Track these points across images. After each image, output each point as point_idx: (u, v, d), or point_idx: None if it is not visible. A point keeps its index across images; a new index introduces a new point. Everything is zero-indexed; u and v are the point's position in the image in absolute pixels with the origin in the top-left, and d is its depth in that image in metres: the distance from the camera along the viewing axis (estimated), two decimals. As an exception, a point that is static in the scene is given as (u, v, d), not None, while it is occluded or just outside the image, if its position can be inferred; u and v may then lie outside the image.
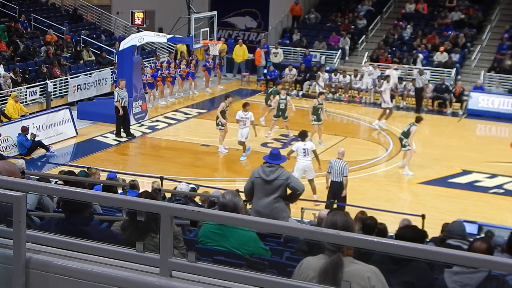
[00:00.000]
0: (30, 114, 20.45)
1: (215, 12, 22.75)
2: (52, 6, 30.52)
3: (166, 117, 23.06)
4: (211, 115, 19.86)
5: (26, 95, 21.72)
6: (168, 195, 12.02)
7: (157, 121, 22.51)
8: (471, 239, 6.66)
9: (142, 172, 16.24)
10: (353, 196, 14.58)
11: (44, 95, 22.35)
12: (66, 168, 14.60)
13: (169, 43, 27.21)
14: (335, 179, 14.28)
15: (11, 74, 21.79)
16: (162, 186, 12.93)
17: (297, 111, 22.13)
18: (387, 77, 23.36)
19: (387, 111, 22.37)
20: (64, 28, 27.49)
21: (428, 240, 7.85)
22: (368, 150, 19.80)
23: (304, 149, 15.34)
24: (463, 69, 28.01)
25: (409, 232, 6.22)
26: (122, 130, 20.19)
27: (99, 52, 26.43)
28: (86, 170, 12.87)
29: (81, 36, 27.35)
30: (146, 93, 23.39)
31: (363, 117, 24.09)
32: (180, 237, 5.18)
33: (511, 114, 24.27)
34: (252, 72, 29.58)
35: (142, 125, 21.78)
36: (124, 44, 21.50)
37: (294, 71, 27.79)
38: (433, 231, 9.28)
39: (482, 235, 10.35)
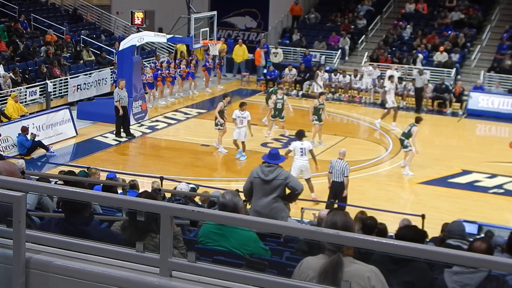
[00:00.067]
0: (30, 114, 20.45)
1: (215, 12, 22.75)
2: (52, 6, 30.52)
3: (166, 117, 23.07)
4: (211, 115, 19.87)
5: (26, 95, 21.72)
6: (168, 195, 12.02)
7: (157, 121, 22.51)
8: (471, 239, 6.67)
9: (142, 172, 16.24)
10: (353, 196, 14.58)
11: (44, 95, 22.35)
12: (66, 168, 14.61)
13: (169, 43, 27.22)
14: (336, 179, 14.28)
15: (11, 74, 21.79)
16: (162, 186, 12.94)
17: (297, 111, 22.12)
18: (391, 77, 23.33)
19: (392, 111, 22.36)
20: (64, 28, 27.49)
21: (428, 240, 7.85)
22: (368, 150, 19.81)
23: (301, 148, 15.34)
24: (463, 69, 28.02)
25: (409, 232, 6.22)
26: (122, 130, 20.20)
27: (99, 52, 26.43)
28: (86, 170, 12.88)
29: (81, 36, 27.35)
30: (146, 93, 23.39)
31: (363, 117, 24.10)
32: (179, 237, 5.18)
33: (511, 114, 24.27)
34: (252, 72, 29.58)
35: (142, 125, 21.78)
36: (124, 44, 21.50)
37: (294, 71, 27.79)
38: (433, 231, 9.28)
39: (482, 235, 10.35)
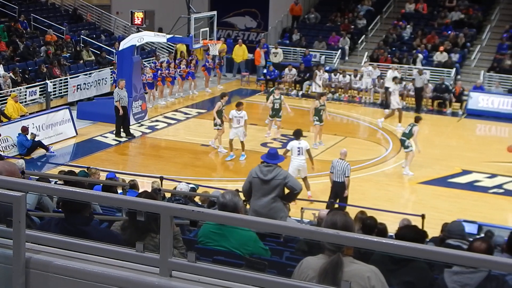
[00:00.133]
0: (30, 114, 20.45)
1: (214, 12, 22.75)
2: (52, 6, 30.52)
3: (165, 117, 23.07)
4: (210, 115, 19.86)
5: (26, 95, 21.72)
6: (168, 195, 12.02)
7: (156, 121, 22.51)
8: (471, 239, 6.67)
9: (142, 172, 16.24)
10: (353, 196, 14.57)
11: (44, 95, 22.35)
12: (66, 168, 14.61)
13: (169, 43, 27.22)
14: (337, 179, 14.27)
15: (10, 74, 21.79)
16: (161, 186, 12.94)
17: (297, 111, 22.12)
18: (395, 79, 23.30)
19: (396, 112, 22.34)
20: (64, 28, 27.49)
21: (428, 240, 7.85)
22: (368, 150, 19.80)
23: (298, 147, 15.33)
24: (463, 69, 28.02)
25: (409, 232, 6.22)
26: (121, 130, 20.20)
27: (99, 52, 26.43)
28: (86, 170, 12.88)
29: (81, 36, 27.35)
30: (146, 93, 23.40)
31: (363, 117, 24.10)
32: (179, 237, 5.18)
33: (511, 114, 24.27)
34: (252, 72, 29.59)
35: (142, 125, 21.78)
36: (123, 44, 21.50)
37: (294, 71, 27.79)
38: (433, 231, 9.28)
39: (482, 235, 10.35)
